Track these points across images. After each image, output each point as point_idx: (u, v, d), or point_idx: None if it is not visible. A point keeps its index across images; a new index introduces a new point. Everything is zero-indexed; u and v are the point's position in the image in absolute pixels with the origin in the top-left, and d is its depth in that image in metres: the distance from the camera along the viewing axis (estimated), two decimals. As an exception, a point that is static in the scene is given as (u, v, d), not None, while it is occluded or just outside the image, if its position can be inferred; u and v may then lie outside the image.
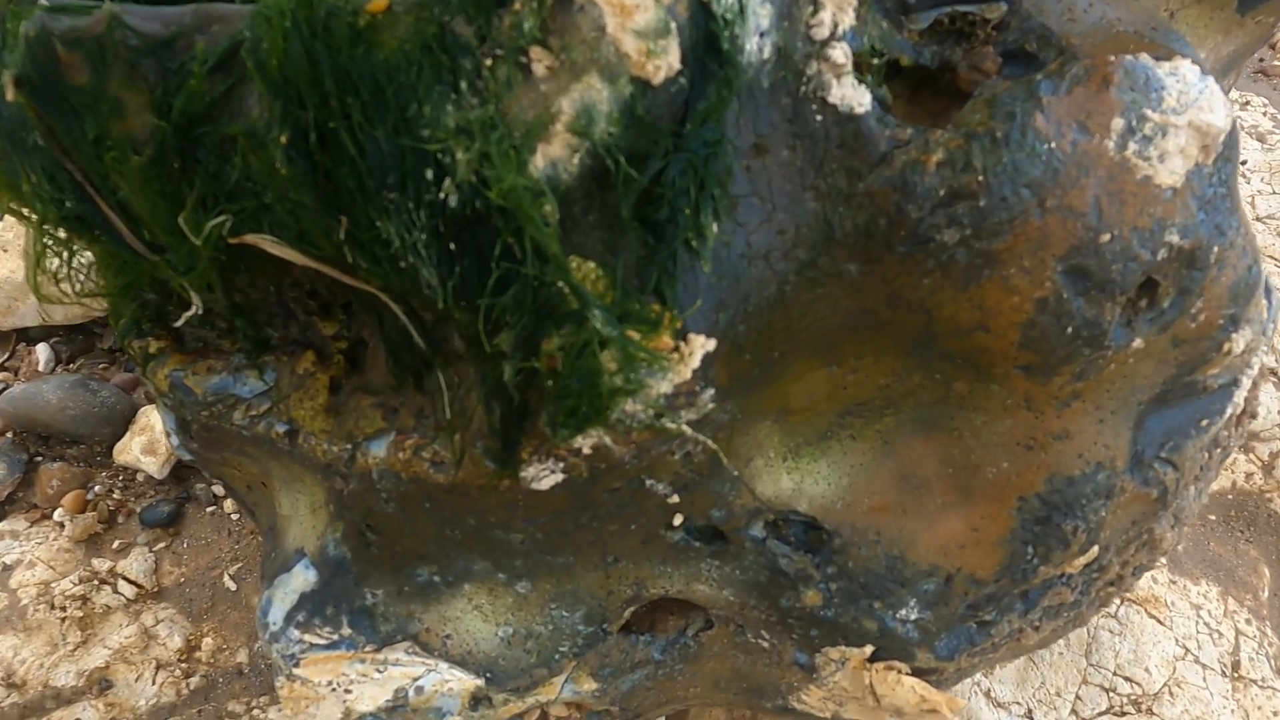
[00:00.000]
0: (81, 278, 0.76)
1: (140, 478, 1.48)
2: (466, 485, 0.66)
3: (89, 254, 0.75)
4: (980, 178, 0.56)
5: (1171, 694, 1.39)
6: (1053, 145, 0.57)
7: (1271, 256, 1.84)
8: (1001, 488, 0.73)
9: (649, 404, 0.55)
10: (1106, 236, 0.59)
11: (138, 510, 1.43)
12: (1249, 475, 1.61)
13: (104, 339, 1.67)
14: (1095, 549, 0.77)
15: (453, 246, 0.52)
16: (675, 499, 0.72)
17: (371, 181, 0.51)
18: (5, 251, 1.57)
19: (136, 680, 1.26)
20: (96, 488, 1.44)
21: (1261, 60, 2.56)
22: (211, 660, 1.31)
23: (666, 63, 0.48)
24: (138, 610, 1.33)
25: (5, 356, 1.63)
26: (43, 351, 1.62)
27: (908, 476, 0.76)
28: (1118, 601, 1.45)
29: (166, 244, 0.64)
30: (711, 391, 0.59)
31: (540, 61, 0.49)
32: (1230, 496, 1.59)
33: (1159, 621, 1.48)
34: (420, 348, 0.65)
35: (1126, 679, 1.39)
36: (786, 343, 0.65)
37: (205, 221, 0.58)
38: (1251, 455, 1.63)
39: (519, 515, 0.71)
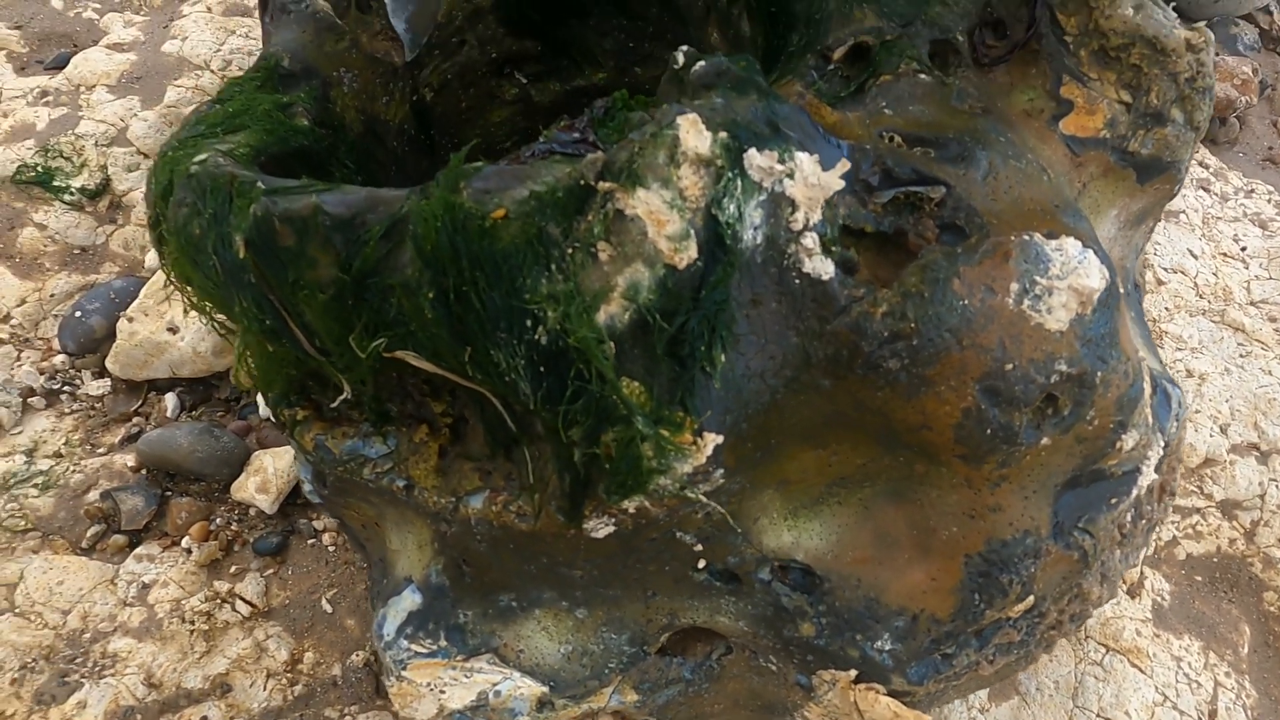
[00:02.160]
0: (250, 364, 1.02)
1: (252, 512, 1.74)
2: (542, 533, 0.90)
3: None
4: (913, 324, 0.80)
5: (1147, 736, 1.56)
6: (966, 301, 0.80)
7: (1260, 340, 2.02)
8: (952, 547, 0.95)
9: (675, 480, 0.79)
10: (1010, 365, 0.82)
11: (251, 540, 1.69)
12: (1232, 541, 1.79)
13: (220, 390, 1.95)
14: (1031, 598, 0.98)
15: (542, 369, 0.76)
16: (699, 547, 0.95)
17: (489, 325, 0.76)
18: (146, 315, 1.86)
19: (251, 686, 1.51)
20: (217, 520, 1.71)
21: (1270, 148, 2.73)
22: (311, 672, 1.55)
23: (688, 255, 0.73)
24: (251, 626, 1.58)
25: (138, 403, 1.92)
26: (170, 400, 1.90)
27: (882, 535, 0.98)
28: (1102, 650, 1.63)
29: (333, 351, 0.90)
30: (721, 471, 0.82)
31: (604, 252, 0.73)
32: (1215, 560, 1.77)
33: (1141, 670, 1.65)
34: (511, 430, 0.90)
35: (1107, 721, 1.57)
36: (780, 433, 0.88)
37: (368, 342, 0.83)
38: (1235, 523, 1.80)
39: (580, 556, 0.95)
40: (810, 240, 0.78)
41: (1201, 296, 2.11)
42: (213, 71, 2.30)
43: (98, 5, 2.53)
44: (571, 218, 0.73)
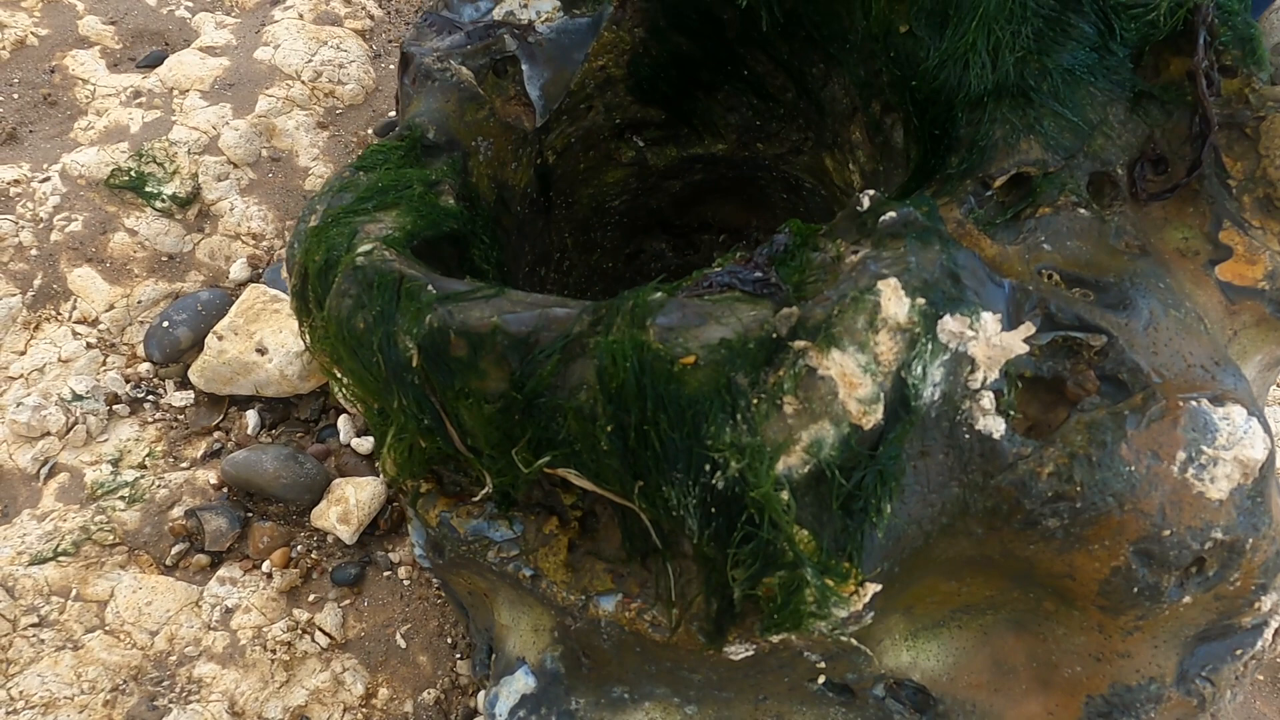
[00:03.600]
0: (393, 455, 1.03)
1: (330, 539, 1.76)
2: (676, 645, 0.92)
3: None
4: (1078, 488, 0.80)
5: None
6: (1132, 468, 0.81)
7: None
8: (1074, 685, 0.95)
9: (831, 623, 0.80)
10: (1168, 532, 0.82)
11: (329, 569, 1.72)
12: (1296, 643, 1.79)
13: (300, 410, 1.97)
14: (1143, 737, 0.98)
15: (713, 510, 0.77)
16: (822, 664, 0.96)
17: (666, 464, 0.77)
18: (236, 335, 1.88)
19: (328, 719, 1.54)
20: (298, 547, 1.73)
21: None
22: (385, 708, 1.57)
23: (875, 417, 0.73)
24: (328, 658, 1.60)
25: (220, 418, 1.94)
26: (251, 417, 1.93)
27: (1000, 663, 0.99)
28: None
29: (487, 454, 0.91)
30: (872, 614, 0.83)
31: (790, 406, 0.74)
32: (1278, 660, 1.76)
33: (1201, 768, 1.65)
34: (655, 544, 0.91)
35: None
36: (923, 569, 0.89)
37: (531, 457, 0.85)
38: (1300, 624, 1.80)
39: (705, 665, 0.96)
40: (987, 400, 0.79)
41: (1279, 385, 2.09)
42: (304, 83, 2.32)
43: (190, 4, 2.55)
44: (760, 369, 0.74)
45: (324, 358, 1.01)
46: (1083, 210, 0.97)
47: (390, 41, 2.49)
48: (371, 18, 2.52)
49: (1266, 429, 0.86)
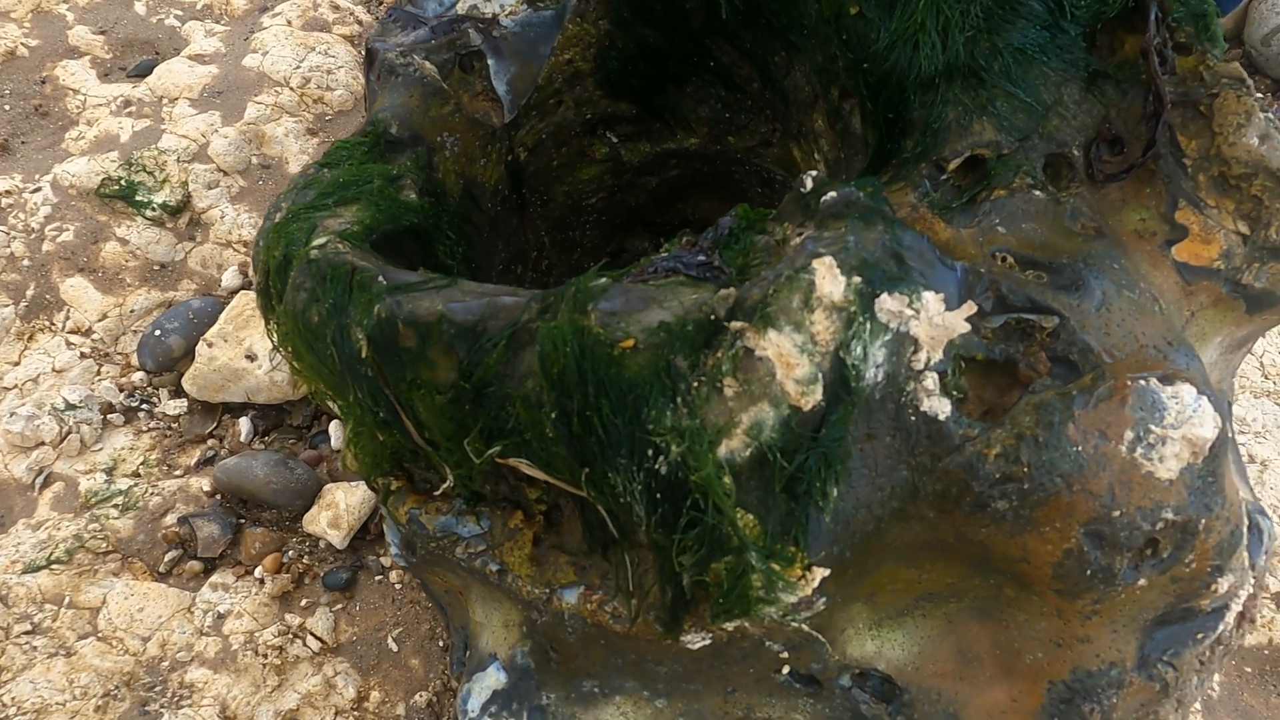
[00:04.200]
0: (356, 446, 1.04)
1: (322, 544, 1.77)
2: (636, 636, 0.92)
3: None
4: (1025, 468, 0.80)
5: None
6: (1080, 448, 0.80)
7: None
8: (1036, 672, 0.95)
9: (780, 608, 0.80)
10: (1117, 512, 0.82)
11: (321, 574, 1.73)
12: (1287, 632, 1.76)
13: (292, 416, 1.98)
14: (1111, 722, 0.98)
15: (658, 496, 0.77)
16: (785, 654, 0.96)
17: (610, 450, 0.77)
18: (225, 341, 1.90)
19: (317, 720, 1.55)
20: (289, 552, 1.74)
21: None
22: (377, 711, 1.58)
23: (814, 398, 0.73)
24: (320, 662, 1.61)
25: (213, 425, 1.96)
26: (244, 424, 1.94)
27: (965, 651, 0.99)
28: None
29: (442, 446, 0.91)
30: (823, 599, 0.83)
31: (729, 388, 0.74)
32: (1266, 652, 1.74)
33: (1192, 761, 1.64)
34: (613, 534, 0.91)
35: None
36: (879, 555, 0.89)
37: (482, 447, 0.85)
38: (1290, 616, 1.78)
39: (668, 656, 0.96)
40: (931, 381, 0.78)
41: (1267, 377, 2.07)
42: (292, 89, 2.34)
43: (179, 12, 2.57)
44: (699, 351, 0.74)
45: (287, 353, 1.02)
46: (1038, 192, 0.97)
47: (379, 48, 2.51)
48: (359, 23, 2.54)
49: (1218, 407, 0.85)
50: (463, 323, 0.83)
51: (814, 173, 0.82)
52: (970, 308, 0.80)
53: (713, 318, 0.74)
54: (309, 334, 0.92)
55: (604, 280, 0.79)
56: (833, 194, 0.79)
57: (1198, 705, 1.65)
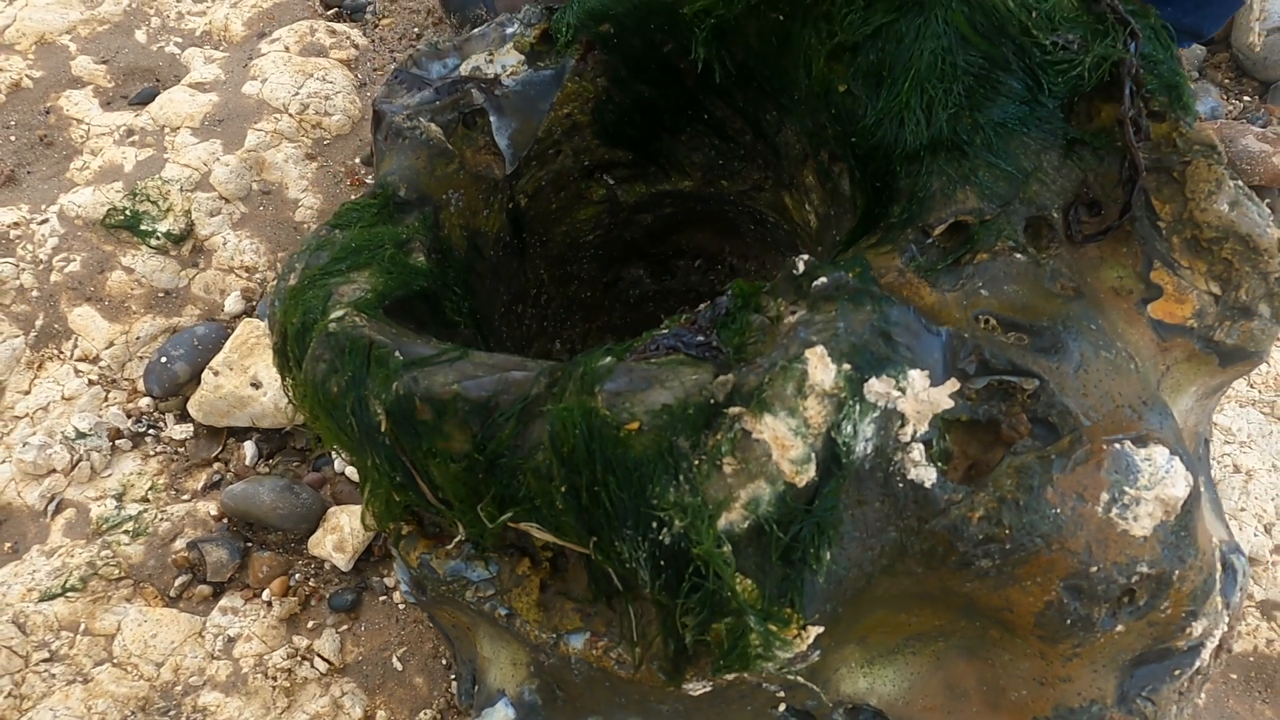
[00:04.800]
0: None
1: (327, 567, 1.82)
2: (640, 681, 0.97)
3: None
4: (1007, 530, 0.85)
5: (1178, 836, 1.61)
6: (1058, 510, 0.86)
7: (1308, 438, 2.04)
8: (1021, 708, 1.00)
9: (777, 663, 0.85)
10: (1095, 568, 0.87)
11: (327, 596, 1.78)
12: (1269, 641, 1.83)
13: (296, 440, 2.03)
14: (1090, 755, 1.04)
15: (662, 563, 0.83)
16: (781, 694, 1.01)
17: (616, 521, 0.82)
18: (231, 370, 1.94)
19: (328, 742, 1.60)
20: (296, 575, 1.79)
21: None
22: (384, 730, 1.64)
23: (808, 476, 0.79)
24: (328, 683, 1.67)
25: (219, 450, 2.00)
26: (249, 448, 1.99)
27: (953, 687, 1.04)
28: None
29: (457, 507, 0.96)
30: (817, 652, 0.88)
31: (729, 467, 0.79)
32: (1251, 659, 1.81)
33: (1175, 768, 1.70)
34: (617, 587, 0.96)
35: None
36: (869, 605, 0.94)
37: (495, 512, 0.90)
38: (1273, 624, 1.85)
39: (670, 698, 1.01)
40: (917, 452, 0.84)
41: (1253, 386, 2.13)
42: (291, 115, 2.37)
43: (179, 39, 2.60)
44: (700, 432, 0.79)
45: (307, 413, 1.07)
46: (1019, 255, 1.02)
47: (375, 70, 2.54)
48: (356, 47, 2.57)
49: (1189, 466, 0.91)
50: (475, 399, 0.88)
51: (805, 256, 0.87)
52: (954, 384, 0.85)
53: (712, 401, 0.79)
54: (328, 403, 0.97)
55: (609, 360, 0.84)
56: (823, 279, 0.84)
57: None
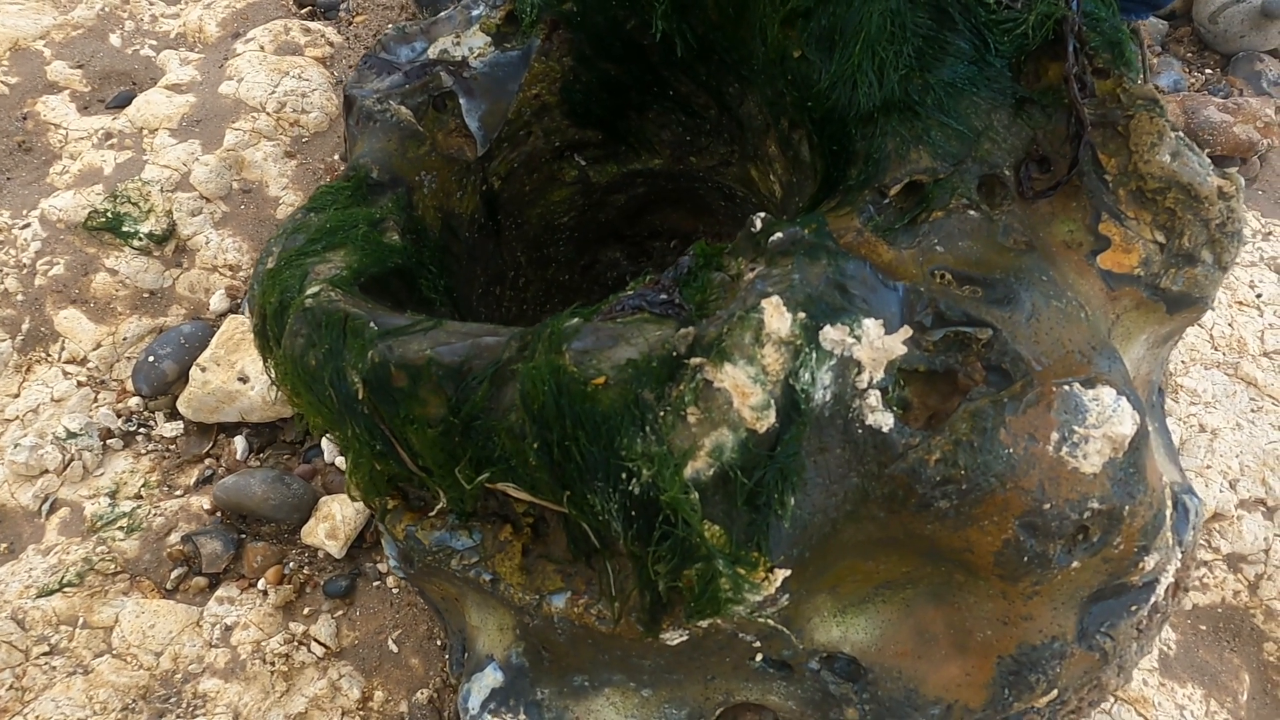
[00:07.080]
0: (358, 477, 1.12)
1: (321, 555, 1.85)
2: (620, 635, 1.01)
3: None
4: (963, 471, 0.89)
5: (1155, 781, 1.66)
6: (1011, 450, 0.89)
7: (1272, 395, 2.09)
8: (986, 648, 1.04)
9: (747, 607, 0.89)
10: (1048, 505, 0.91)
11: (321, 583, 1.81)
12: (1236, 593, 1.87)
13: (285, 433, 2.06)
14: (1055, 691, 1.07)
15: (633, 513, 0.86)
16: (758, 644, 1.05)
17: (588, 475, 0.86)
18: (218, 365, 1.97)
19: (326, 723, 1.63)
20: (290, 564, 1.82)
21: (1289, 191, 2.77)
22: (381, 709, 1.67)
23: (768, 421, 0.82)
24: (325, 666, 1.70)
25: (210, 445, 2.03)
26: (240, 443, 2.01)
27: (922, 632, 1.08)
28: (1110, 700, 1.73)
29: (435, 473, 1.00)
30: (786, 596, 0.92)
31: (692, 416, 0.83)
32: (1219, 610, 1.85)
33: (1145, 719, 1.74)
34: (595, 544, 1.00)
35: (1117, 767, 1.66)
36: (837, 553, 0.98)
37: (472, 474, 0.94)
38: (1239, 575, 1.89)
39: (651, 651, 1.05)
40: (874, 398, 0.87)
41: (1216, 348, 2.18)
42: (269, 114, 2.40)
43: (154, 42, 2.62)
44: (664, 384, 0.83)
45: (286, 391, 1.10)
46: (973, 212, 1.06)
47: (350, 67, 2.57)
48: (331, 44, 2.59)
49: (1136, 405, 0.95)
50: (449, 364, 0.91)
51: (762, 214, 0.90)
52: (907, 331, 0.89)
53: (675, 354, 0.83)
54: (307, 376, 1.00)
55: (576, 321, 0.88)
56: (779, 234, 0.88)
57: (1154, 663, 1.76)
